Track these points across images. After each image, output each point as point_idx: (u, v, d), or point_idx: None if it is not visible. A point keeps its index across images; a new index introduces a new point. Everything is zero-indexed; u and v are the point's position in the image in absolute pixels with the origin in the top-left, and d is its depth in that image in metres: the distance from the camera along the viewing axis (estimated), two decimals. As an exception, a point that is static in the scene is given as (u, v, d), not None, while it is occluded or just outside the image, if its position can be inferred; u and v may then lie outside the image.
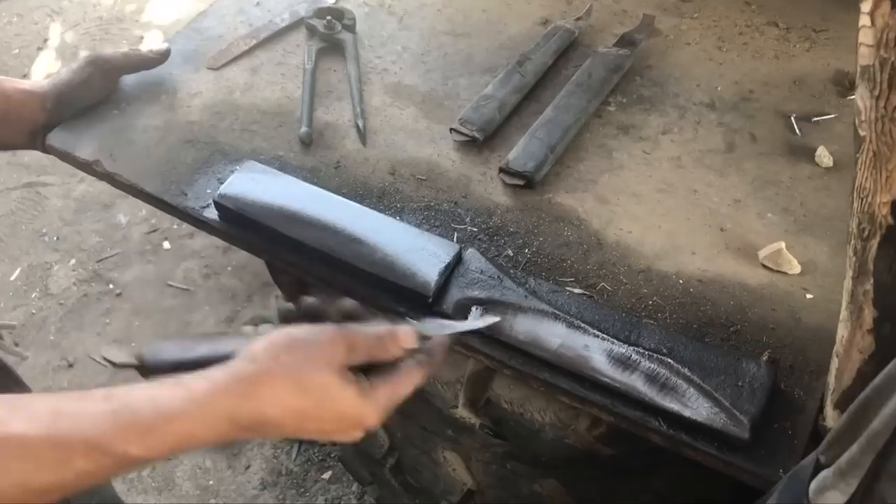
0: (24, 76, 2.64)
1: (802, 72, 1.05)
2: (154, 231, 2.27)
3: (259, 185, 0.90)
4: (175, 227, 2.27)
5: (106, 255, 2.22)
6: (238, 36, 1.10)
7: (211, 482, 1.76)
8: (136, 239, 2.26)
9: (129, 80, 1.05)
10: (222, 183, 0.92)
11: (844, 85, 1.02)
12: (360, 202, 0.92)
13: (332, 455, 1.73)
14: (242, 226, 0.90)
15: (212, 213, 0.91)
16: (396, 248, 0.85)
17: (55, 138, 0.98)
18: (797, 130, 0.98)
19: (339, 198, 0.91)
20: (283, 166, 0.96)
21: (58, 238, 2.26)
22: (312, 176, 0.96)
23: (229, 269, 2.18)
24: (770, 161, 0.96)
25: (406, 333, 0.59)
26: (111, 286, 2.15)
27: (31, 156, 2.43)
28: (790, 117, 1.00)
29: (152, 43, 1.44)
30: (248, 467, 1.77)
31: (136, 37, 2.78)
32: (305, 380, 0.55)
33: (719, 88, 1.04)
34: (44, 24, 2.81)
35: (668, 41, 1.09)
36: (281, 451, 1.78)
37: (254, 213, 0.88)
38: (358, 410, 0.57)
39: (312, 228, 0.87)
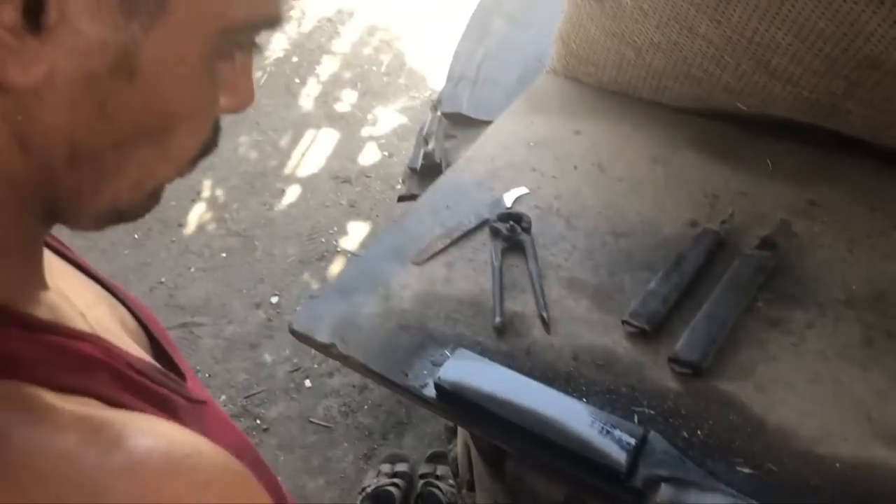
0: (180, 226, 2.98)
1: (928, 273, 1.21)
2: (297, 370, 2.50)
3: (471, 371, 1.10)
4: (315, 366, 2.50)
5: (253, 392, 2.44)
6: (434, 235, 1.33)
7: None
8: (280, 377, 2.48)
9: (350, 271, 1.28)
10: (436, 365, 1.12)
11: (967, 286, 1.18)
12: (550, 385, 1.10)
13: None
14: (457, 405, 1.09)
15: (430, 392, 1.11)
16: (590, 429, 1.03)
17: (298, 324, 1.21)
18: (928, 327, 1.14)
19: (537, 383, 1.09)
20: (483, 351, 1.16)
21: (209, 375, 2.51)
22: (508, 360, 1.15)
23: (366, 407, 2.38)
24: (907, 356, 1.11)
25: None
26: (258, 421, 2.37)
27: (187, 298, 2.73)
28: (921, 315, 1.15)
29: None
30: None
31: (278, 189, 3.11)
32: None
33: (854, 287, 1.20)
34: (197, 179, 3.17)
35: (804, 243, 1.27)
36: None
37: (468, 395, 1.08)
38: None
39: (517, 410, 1.05)
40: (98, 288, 0.64)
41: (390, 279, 1.28)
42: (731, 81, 1.34)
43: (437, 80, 3.63)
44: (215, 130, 0.52)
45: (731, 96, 1.38)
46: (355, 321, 1.21)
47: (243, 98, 0.51)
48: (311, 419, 2.36)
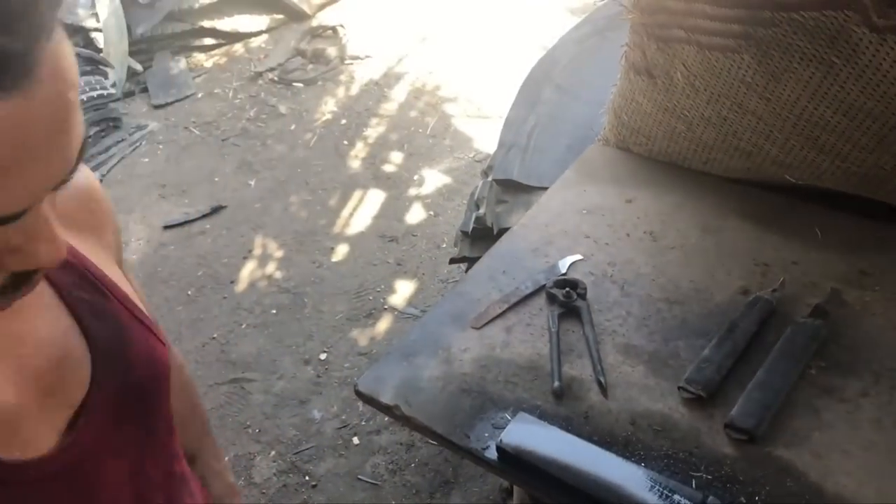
0: (232, 283, 3.07)
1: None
2: (345, 427, 2.54)
3: (531, 435, 1.14)
4: (363, 423, 2.54)
5: (302, 448, 2.48)
6: (492, 300, 1.38)
7: None
8: (328, 433, 2.52)
9: (412, 335, 1.33)
10: (497, 428, 1.17)
11: None
12: (609, 449, 1.13)
13: None
14: (519, 468, 1.13)
15: (491, 454, 1.15)
16: (650, 494, 1.06)
17: (363, 385, 1.26)
18: (983, 398, 1.15)
19: (597, 448, 1.13)
20: (542, 415, 1.20)
21: (259, 430, 2.55)
22: (566, 424, 1.18)
23: (413, 465, 2.40)
24: (963, 426, 1.12)
25: None
26: (307, 478, 2.41)
27: (238, 353, 2.80)
28: (976, 386, 1.17)
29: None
30: None
31: (327, 247, 3.20)
32: None
33: (907, 356, 1.23)
34: (248, 237, 3.28)
35: (856, 311, 1.30)
36: None
37: (529, 459, 1.11)
38: None
39: (578, 474, 1.09)
40: (66, 320, 0.66)
41: (451, 343, 1.33)
42: (780, 155, 1.39)
43: (481, 142, 3.73)
44: (18, 280, 0.53)
45: (779, 169, 1.43)
46: (417, 384, 1.26)
47: (52, 248, 0.51)
48: (360, 476, 2.39)
